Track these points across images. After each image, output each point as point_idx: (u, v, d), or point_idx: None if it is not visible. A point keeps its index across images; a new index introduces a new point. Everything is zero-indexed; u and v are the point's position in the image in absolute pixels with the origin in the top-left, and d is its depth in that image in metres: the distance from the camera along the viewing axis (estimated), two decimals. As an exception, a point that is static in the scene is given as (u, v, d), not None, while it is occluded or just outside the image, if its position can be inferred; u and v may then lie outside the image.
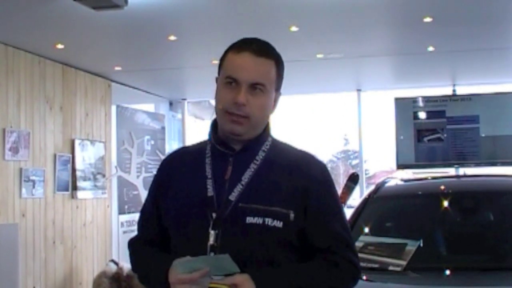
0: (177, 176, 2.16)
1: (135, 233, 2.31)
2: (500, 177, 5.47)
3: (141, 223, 2.27)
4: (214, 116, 2.16)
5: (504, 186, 4.79)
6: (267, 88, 2.07)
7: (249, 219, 2.01)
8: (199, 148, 2.19)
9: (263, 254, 2.01)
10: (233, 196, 2.04)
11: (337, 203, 2.16)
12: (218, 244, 2.00)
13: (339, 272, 2.07)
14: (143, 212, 2.27)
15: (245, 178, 2.07)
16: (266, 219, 2.01)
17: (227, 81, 2.06)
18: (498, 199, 4.56)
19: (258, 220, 2.01)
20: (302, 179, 2.08)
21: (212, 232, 2.01)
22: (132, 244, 2.28)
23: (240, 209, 2.02)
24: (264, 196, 2.04)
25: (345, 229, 2.13)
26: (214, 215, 2.03)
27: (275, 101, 2.16)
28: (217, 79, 2.14)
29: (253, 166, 2.09)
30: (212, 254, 1.99)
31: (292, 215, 2.03)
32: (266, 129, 2.17)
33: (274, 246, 2.03)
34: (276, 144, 2.18)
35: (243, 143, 2.11)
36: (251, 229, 2.00)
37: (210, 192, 2.07)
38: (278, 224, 2.01)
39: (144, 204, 2.28)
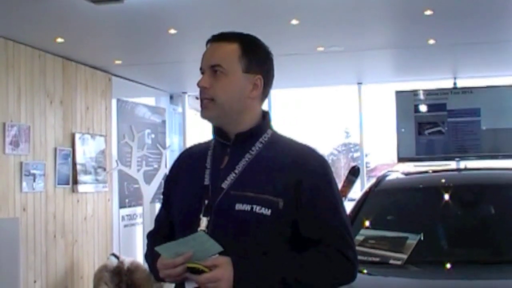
0: (184, 170, 2.25)
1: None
2: (501, 170, 5.46)
3: (156, 218, 2.39)
4: None
5: (505, 180, 4.78)
6: (226, 69, 2.11)
7: (238, 206, 2.05)
8: (205, 145, 2.27)
9: (252, 242, 2.04)
10: (225, 184, 2.09)
11: (334, 197, 2.14)
12: (208, 230, 2.05)
13: (330, 265, 2.06)
14: (160, 208, 2.38)
15: (239, 167, 2.11)
16: (254, 206, 2.04)
17: (200, 73, 2.16)
18: (499, 193, 4.56)
19: (246, 207, 2.04)
20: (297, 170, 2.09)
21: (203, 218, 2.07)
22: (148, 236, 2.39)
23: (230, 197, 2.07)
24: (255, 184, 2.07)
25: (342, 223, 2.11)
26: (206, 202, 2.09)
27: (256, 85, 2.17)
28: None
29: (248, 156, 2.13)
30: (198, 231, 2.03)
31: (281, 204, 2.04)
32: (265, 120, 2.20)
33: (263, 234, 2.04)
34: (276, 137, 2.20)
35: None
36: (239, 215, 2.04)
37: (207, 181, 2.13)
38: (266, 211, 2.03)
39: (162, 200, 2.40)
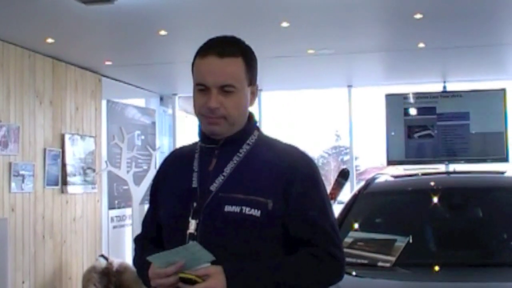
0: (171, 174, 2.24)
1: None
2: (489, 173, 5.48)
3: (143, 222, 2.37)
4: None
5: (493, 183, 4.80)
6: (237, 87, 2.08)
7: (227, 208, 2.04)
8: (192, 147, 2.25)
9: (242, 244, 2.04)
10: (214, 187, 2.08)
11: (321, 197, 2.15)
12: (197, 232, 2.05)
13: (320, 267, 2.07)
14: (146, 211, 2.36)
15: (227, 169, 2.10)
16: (244, 208, 2.04)
17: (199, 88, 2.09)
18: (487, 196, 4.57)
19: (235, 208, 2.04)
20: (285, 170, 2.09)
21: (192, 221, 2.06)
22: (135, 241, 2.37)
23: (219, 199, 2.06)
24: (244, 186, 2.07)
25: (330, 223, 2.13)
26: (195, 204, 2.08)
27: (253, 93, 2.17)
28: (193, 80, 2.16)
29: (236, 159, 2.12)
30: (190, 241, 2.02)
31: (270, 204, 2.05)
32: (251, 122, 2.19)
33: (254, 236, 2.05)
34: (262, 138, 2.20)
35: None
36: (229, 217, 2.04)
37: (195, 183, 2.12)
38: (256, 212, 2.03)
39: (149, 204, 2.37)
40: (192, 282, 1.93)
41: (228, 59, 2.07)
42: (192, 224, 2.06)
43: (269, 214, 2.04)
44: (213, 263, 1.97)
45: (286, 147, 2.19)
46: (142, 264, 2.14)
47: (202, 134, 2.18)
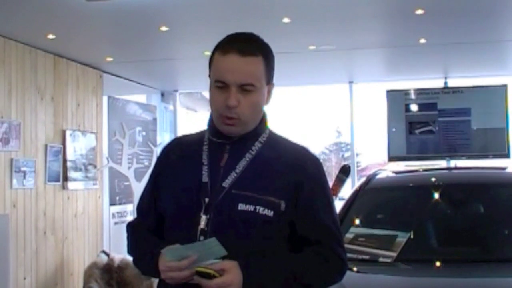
0: (175, 164, 2.20)
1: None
2: (491, 169, 5.49)
3: (139, 209, 2.32)
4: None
5: (494, 179, 4.80)
6: (257, 86, 2.07)
7: (241, 206, 2.05)
8: (197, 137, 2.23)
9: (251, 241, 2.05)
10: (226, 183, 2.08)
11: (328, 198, 2.19)
12: (208, 228, 2.04)
13: (327, 266, 2.11)
14: (141, 198, 2.31)
15: (240, 166, 2.10)
16: (258, 207, 2.05)
17: (217, 84, 2.07)
18: (488, 192, 4.58)
19: (249, 207, 2.04)
20: (297, 172, 2.11)
21: (203, 217, 2.06)
22: (130, 227, 2.32)
23: (232, 196, 2.06)
24: (257, 185, 2.07)
25: (335, 223, 2.17)
26: (207, 200, 2.07)
27: (269, 92, 2.17)
28: (210, 75, 2.14)
29: (248, 156, 2.12)
30: (202, 238, 2.03)
31: (283, 205, 2.06)
32: (263, 121, 2.20)
33: (263, 234, 2.06)
34: (273, 137, 2.21)
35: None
36: (242, 215, 2.04)
37: (205, 178, 2.10)
38: (269, 212, 2.05)
39: (144, 190, 2.32)
40: (210, 276, 1.94)
41: (249, 57, 2.06)
42: (203, 220, 2.05)
43: (281, 214, 2.07)
44: (222, 258, 1.97)
45: (295, 147, 2.21)
46: (143, 254, 2.14)
47: (213, 128, 2.16)
